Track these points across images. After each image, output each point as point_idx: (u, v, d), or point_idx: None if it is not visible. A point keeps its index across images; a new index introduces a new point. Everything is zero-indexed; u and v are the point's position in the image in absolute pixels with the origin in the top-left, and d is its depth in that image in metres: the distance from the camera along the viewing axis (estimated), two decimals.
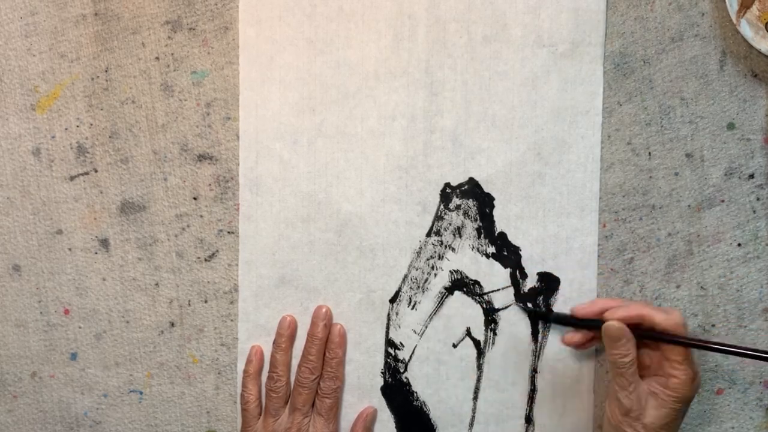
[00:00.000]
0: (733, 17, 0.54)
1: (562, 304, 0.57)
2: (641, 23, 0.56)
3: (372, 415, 0.59)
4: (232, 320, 0.60)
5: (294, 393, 0.58)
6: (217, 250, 0.60)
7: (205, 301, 0.60)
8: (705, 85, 0.56)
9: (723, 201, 0.57)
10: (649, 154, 0.57)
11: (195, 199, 0.60)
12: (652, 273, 0.57)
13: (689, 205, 0.57)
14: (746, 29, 0.54)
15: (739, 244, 0.57)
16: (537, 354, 0.58)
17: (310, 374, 0.58)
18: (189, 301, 0.60)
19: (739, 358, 0.57)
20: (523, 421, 0.58)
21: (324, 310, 0.59)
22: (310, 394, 0.58)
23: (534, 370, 0.58)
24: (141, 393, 0.61)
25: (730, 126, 0.56)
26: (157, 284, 0.60)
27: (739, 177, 0.56)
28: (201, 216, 0.60)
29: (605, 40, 0.56)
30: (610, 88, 0.57)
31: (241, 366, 0.60)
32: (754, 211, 0.56)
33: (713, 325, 0.57)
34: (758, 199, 0.56)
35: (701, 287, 0.57)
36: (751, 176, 0.56)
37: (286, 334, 0.59)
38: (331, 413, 0.58)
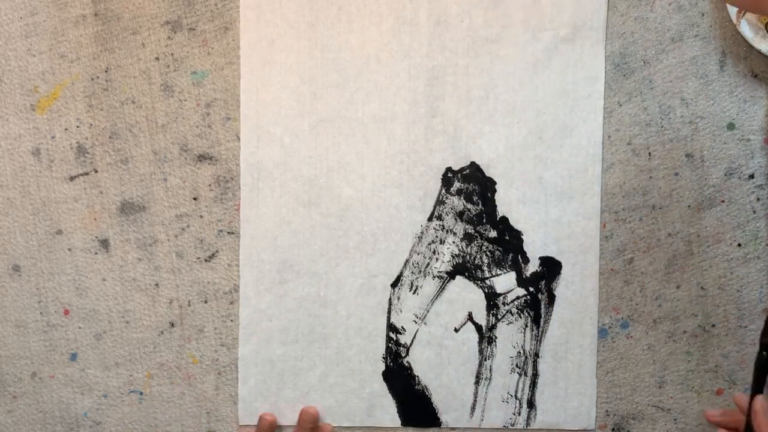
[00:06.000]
0: (733, 18, 0.54)
1: (563, 288, 0.57)
2: (641, 23, 0.56)
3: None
4: (232, 320, 0.60)
5: None
6: (217, 251, 0.60)
7: (205, 302, 0.60)
8: (705, 86, 0.56)
9: (723, 201, 0.57)
10: (649, 154, 0.57)
11: (195, 199, 0.60)
12: (652, 273, 0.57)
13: (689, 206, 0.57)
14: (746, 29, 0.54)
15: (739, 245, 0.57)
16: (539, 338, 0.58)
17: None
18: (189, 301, 0.60)
19: (739, 358, 0.57)
20: (526, 405, 0.58)
21: (312, 411, 0.58)
22: None
23: (536, 355, 0.58)
24: (141, 393, 0.61)
25: (730, 126, 0.56)
26: (157, 284, 0.60)
27: (739, 177, 0.56)
28: (201, 216, 0.60)
29: (605, 40, 0.56)
30: (610, 88, 0.57)
31: (241, 367, 0.60)
32: (754, 212, 0.56)
33: (713, 326, 0.57)
34: (758, 199, 0.56)
35: (701, 287, 0.57)
36: (751, 176, 0.56)
37: None
38: None
